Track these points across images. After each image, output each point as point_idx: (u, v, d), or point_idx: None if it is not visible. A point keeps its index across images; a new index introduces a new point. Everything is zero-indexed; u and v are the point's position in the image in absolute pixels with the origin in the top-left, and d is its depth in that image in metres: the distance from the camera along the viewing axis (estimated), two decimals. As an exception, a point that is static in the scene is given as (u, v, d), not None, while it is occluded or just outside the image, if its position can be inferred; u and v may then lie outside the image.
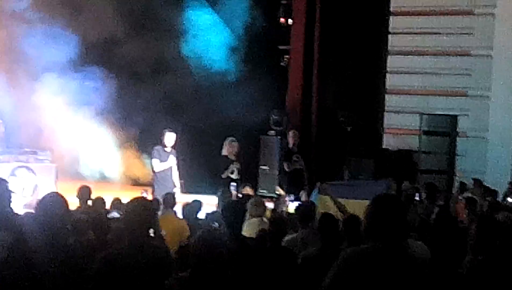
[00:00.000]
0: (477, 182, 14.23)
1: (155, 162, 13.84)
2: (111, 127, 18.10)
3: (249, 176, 15.76)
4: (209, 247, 5.00)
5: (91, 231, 7.58)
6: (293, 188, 14.95)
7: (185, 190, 16.85)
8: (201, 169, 16.74)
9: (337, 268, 4.63)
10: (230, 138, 14.50)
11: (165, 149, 13.89)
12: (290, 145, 15.36)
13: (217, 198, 12.10)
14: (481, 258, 5.83)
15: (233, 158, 14.28)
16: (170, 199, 11.05)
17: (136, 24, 18.50)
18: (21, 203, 11.90)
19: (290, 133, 15.68)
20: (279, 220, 7.96)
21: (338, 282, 4.58)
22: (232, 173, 14.09)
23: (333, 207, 10.10)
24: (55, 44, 17.40)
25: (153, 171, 13.99)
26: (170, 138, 13.90)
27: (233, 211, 7.24)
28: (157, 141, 14.15)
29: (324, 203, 10.68)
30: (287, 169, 15.21)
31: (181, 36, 18.78)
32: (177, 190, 13.74)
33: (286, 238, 8.22)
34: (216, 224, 9.24)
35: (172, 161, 13.92)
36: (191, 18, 18.99)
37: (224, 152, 14.35)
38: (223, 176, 14.09)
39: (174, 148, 14.08)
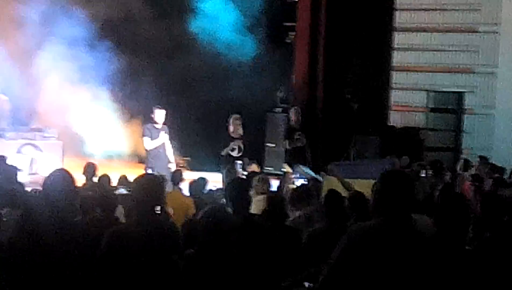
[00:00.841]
0: (483, 160, 14.21)
1: (146, 140, 13.80)
2: (118, 104, 18.11)
3: (255, 153, 15.77)
4: (215, 224, 5.01)
5: (98, 208, 7.60)
6: (292, 166, 14.92)
7: (191, 167, 16.93)
8: (207, 146, 16.74)
9: (344, 244, 4.65)
10: (235, 115, 14.42)
11: (156, 126, 13.85)
12: (292, 123, 15.30)
13: (221, 176, 12.13)
14: (488, 235, 5.85)
15: (236, 135, 14.20)
16: (177, 176, 11.08)
17: (146, 1, 18.47)
18: (27, 180, 11.95)
19: (292, 110, 15.61)
20: (276, 198, 7.96)
21: (345, 258, 4.59)
22: (232, 150, 14.00)
23: (341, 187, 10.09)
24: (65, 22, 17.40)
25: (145, 149, 13.96)
26: (160, 115, 13.87)
27: (237, 188, 7.23)
28: (167, 121, 14.16)
29: (331, 184, 10.68)
30: (287, 147, 15.16)
31: (189, 15, 18.75)
32: (172, 166, 13.75)
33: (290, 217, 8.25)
34: (223, 201, 9.27)
35: (164, 137, 13.88)
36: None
37: (231, 129, 14.27)
38: (223, 153, 14.02)
39: (165, 125, 14.05)
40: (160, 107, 13.93)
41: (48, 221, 5.05)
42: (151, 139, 13.77)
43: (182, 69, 18.36)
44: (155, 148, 13.78)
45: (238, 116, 14.37)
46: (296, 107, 15.69)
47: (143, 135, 13.86)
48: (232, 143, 14.05)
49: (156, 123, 13.82)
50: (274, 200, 7.79)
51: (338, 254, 4.64)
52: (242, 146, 14.08)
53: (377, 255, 4.55)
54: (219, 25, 18.60)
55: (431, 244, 4.76)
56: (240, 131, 14.21)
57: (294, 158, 14.93)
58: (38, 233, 5.02)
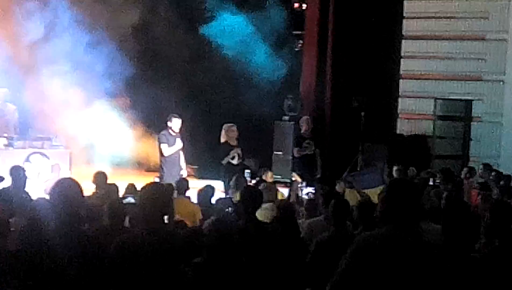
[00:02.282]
0: (486, 167, 14.18)
1: (164, 146, 13.98)
2: (126, 113, 18.13)
3: (263, 161, 15.78)
4: (222, 233, 5.01)
5: (106, 217, 7.61)
6: (303, 174, 14.98)
7: (199, 176, 16.98)
8: (213, 154, 16.77)
9: (351, 252, 4.66)
10: (228, 124, 14.56)
11: (172, 133, 14.01)
12: (302, 131, 15.40)
13: (229, 184, 12.16)
14: (497, 244, 5.83)
15: (234, 143, 14.35)
16: (183, 185, 11.11)
17: (156, 9, 18.48)
18: (39, 189, 11.97)
19: (303, 119, 15.71)
20: (286, 206, 7.98)
21: (353, 266, 4.61)
22: (233, 158, 14.17)
23: (352, 197, 10.13)
24: (78, 30, 17.45)
25: (162, 156, 14.10)
26: (176, 123, 14.07)
27: (251, 197, 7.28)
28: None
29: (351, 197, 10.71)
30: (296, 155, 15.27)
31: (199, 22, 18.79)
32: (184, 173, 13.91)
33: (309, 220, 8.31)
34: (230, 210, 9.30)
35: (179, 144, 14.06)
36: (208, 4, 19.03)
37: (223, 139, 14.41)
38: (223, 162, 14.19)
39: (180, 133, 14.20)
40: (177, 116, 14.08)
41: (55, 229, 5.06)
42: (168, 146, 13.93)
43: (190, 78, 18.38)
44: (171, 155, 13.93)
45: (231, 124, 14.50)
46: (307, 117, 15.80)
47: (161, 142, 14.02)
48: (232, 151, 14.19)
49: (172, 130, 13.97)
50: (285, 207, 7.82)
51: (345, 263, 4.65)
52: (240, 153, 14.23)
53: (385, 264, 4.55)
54: (228, 35, 18.62)
55: (438, 253, 4.76)
56: (235, 139, 14.34)
57: (302, 166, 14.99)
58: (44, 241, 5.03)
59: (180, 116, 14.22)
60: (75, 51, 17.51)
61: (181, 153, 14.23)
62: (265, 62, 18.53)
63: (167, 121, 14.18)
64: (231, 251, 5.08)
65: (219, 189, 13.26)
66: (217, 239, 5.04)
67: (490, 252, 5.78)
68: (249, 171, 13.79)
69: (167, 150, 13.96)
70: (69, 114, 17.30)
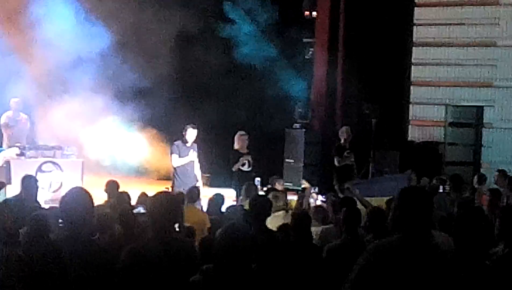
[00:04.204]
0: (502, 173, 14.12)
1: (174, 157, 13.89)
2: (137, 121, 18.15)
3: (274, 169, 15.77)
4: (233, 241, 5.01)
5: (117, 225, 7.61)
6: (342, 184, 14.98)
7: (210, 184, 16.97)
8: (225, 163, 16.80)
9: (363, 261, 4.65)
10: (240, 132, 14.58)
11: (186, 144, 13.94)
12: (342, 141, 15.52)
13: (240, 192, 12.16)
14: (507, 251, 5.82)
15: (244, 151, 14.37)
16: (193, 193, 11.10)
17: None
18: (46, 198, 12.01)
19: (343, 129, 15.77)
20: (302, 214, 7.99)
21: (365, 275, 4.60)
22: (243, 165, 14.19)
23: (360, 205, 10.11)
24: (84, 37, 17.47)
25: (173, 167, 14.04)
26: (191, 134, 13.95)
27: (260, 206, 7.29)
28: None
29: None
30: (337, 164, 15.36)
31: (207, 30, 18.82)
32: (199, 184, 13.83)
33: (321, 227, 8.30)
34: (240, 217, 9.28)
35: (192, 155, 13.96)
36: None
37: (236, 146, 14.44)
38: (234, 169, 14.19)
39: (196, 143, 14.14)
40: (193, 126, 13.99)
41: (64, 238, 5.07)
42: (179, 157, 13.87)
43: (199, 85, 18.41)
44: (183, 165, 13.87)
45: (243, 132, 14.52)
46: (347, 127, 15.84)
47: (172, 153, 13.94)
48: (241, 159, 14.20)
49: (186, 141, 13.91)
50: (300, 216, 7.81)
51: (357, 271, 4.65)
52: (251, 160, 14.23)
53: (397, 272, 4.55)
54: (238, 42, 18.65)
55: (450, 261, 4.74)
56: (246, 147, 14.36)
57: (342, 176, 15.04)
58: (55, 250, 5.04)
59: (195, 126, 14.12)
60: (89, 60, 17.53)
61: (196, 163, 14.14)
62: (277, 70, 18.55)
63: (183, 131, 14.10)
64: (241, 259, 5.07)
65: (230, 197, 13.25)
66: (228, 246, 5.04)
67: (500, 259, 5.77)
68: (259, 179, 13.78)
69: (177, 161, 13.88)
70: (81, 123, 17.35)
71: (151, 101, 18.18)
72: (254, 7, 18.85)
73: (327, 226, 8.79)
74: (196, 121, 14.62)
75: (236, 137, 14.53)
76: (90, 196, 5.30)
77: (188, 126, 14.01)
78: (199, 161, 14.14)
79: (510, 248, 5.84)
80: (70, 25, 17.44)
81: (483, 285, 5.38)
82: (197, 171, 14.12)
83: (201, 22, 18.49)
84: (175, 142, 14.08)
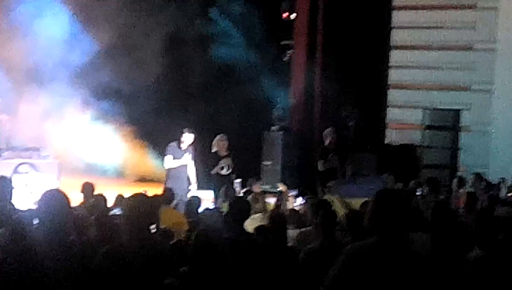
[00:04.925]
0: (478, 176, 14.22)
1: (168, 158, 13.92)
2: (117, 123, 18.09)
3: (251, 171, 15.77)
4: (206, 245, 5.00)
5: (93, 228, 7.58)
6: (325, 186, 14.93)
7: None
8: (204, 165, 16.77)
9: (340, 263, 4.67)
10: (219, 135, 14.57)
11: (181, 147, 13.95)
12: (326, 143, 15.37)
13: (217, 194, 12.17)
14: (482, 254, 5.86)
15: (224, 154, 14.35)
16: (168, 195, 11.09)
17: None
18: (22, 200, 11.91)
19: (327, 131, 15.66)
20: (279, 216, 7.99)
21: (342, 277, 4.62)
22: (222, 169, 14.17)
23: (340, 206, 10.13)
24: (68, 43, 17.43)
25: (165, 169, 14.02)
26: (187, 138, 13.98)
27: (239, 208, 7.29)
28: (163, 137, 14.20)
29: (334, 202, 10.71)
30: (321, 168, 15.23)
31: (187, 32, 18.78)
32: (193, 187, 13.85)
33: (299, 230, 8.31)
34: (218, 220, 9.26)
35: (186, 159, 13.96)
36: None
37: (214, 149, 14.42)
38: (212, 172, 14.18)
39: (192, 146, 14.13)
40: (189, 130, 13.98)
41: (41, 240, 5.05)
42: (173, 158, 13.85)
43: (177, 88, 18.35)
44: (175, 168, 13.84)
45: (222, 135, 14.50)
46: (331, 129, 15.70)
47: (166, 154, 13.94)
48: (221, 162, 14.19)
49: (181, 144, 13.90)
50: (276, 218, 7.81)
51: (334, 274, 4.66)
52: (231, 163, 14.21)
53: (373, 275, 4.56)
54: (217, 44, 18.61)
55: (426, 263, 4.76)
56: (225, 150, 14.33)
57: (326, 179, 14.95)
58: (31, 252, 5.01)
59: (191, 130, 14.06)
60: (67, 61, 17.45)
61: (191, 167, 14.11)
62: (255, 73, 18.53)
63: (179, 135, 14.06)
64: (216, 262, 5.06)
65: (209, 199, 13.25)
66: (201, 250, 5.03)
67: (476, 262, 5.80)
68: (238, 181, 13.78)
69: (168, 162, 13.88)
70: (58, 125, 17.27)
71: (129, 103, 18.11)
72: (233, 9, 18.82)
73: (304, 229, 8.78)
74: (175, 123, 14.61)
75: (215, 140, 14.52)
76: (67, 198, 5.27)
77: (184, 129, 14.05)
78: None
79: (485, 252, 5.89)
80: (51, 27, 17.38)
81: (458, 288, 5.41)
82: (192, 174, 14.09)
83: (181, 23, 18.44)
84: (170, 144, 14.09)
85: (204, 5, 18.95)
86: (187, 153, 13.98)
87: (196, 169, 14.16)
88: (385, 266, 4.58)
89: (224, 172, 14.18)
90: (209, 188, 14.21)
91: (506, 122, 17.51)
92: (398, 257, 4.62)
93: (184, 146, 13.95)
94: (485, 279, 5.65)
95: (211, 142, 14.57)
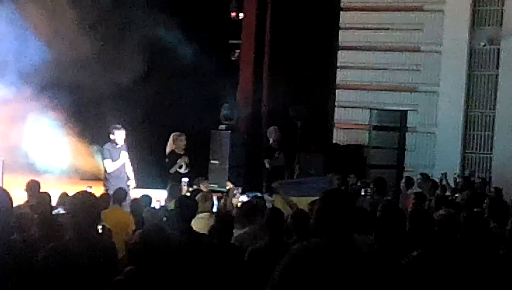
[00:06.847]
0: (424, 177, 14.35)
1: (107, 162, 13.64)
2: (60, 120, 17.89)
3: (199, 170, 15.70)
4: (152, 243, 4.97)
5: (35, 227, 7.47)
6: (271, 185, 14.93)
7: (138, 184, 16.80)
8: (152, 163, 16.64)
9: (285, 264, 4.64)
10: (177, 133, 14.44)
11: (116, 146, 13.74)
12: (271, 142, 15.36)
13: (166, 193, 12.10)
14: (420, 251, 5.93)
15: (181, 152, 14.24)
16: (120, 194, 10.98)
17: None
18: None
19: (271, 129, 15.63)
20: (226, 216, 7.96)
21: (287, 278, 4.59)
22: (180, 167, 14.07)
23: (285, 205, 10.13)
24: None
25: (106, 171, 13.80)
26: (120, 135, 13.75)
27: (186, 207, 7.25)
28: (106, 135, 14.00)
29: (277, 203, 10.72)
30: (267, 166, 15.21)
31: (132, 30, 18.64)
32: (131, 183, 13.69)
33: (235, 234, 8.21)
34: (164, 219, 9.21)
35: (124, 157, 13.78)
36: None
37: (169, 148, 14.29)
38: (171, 171, 14.05)
39: (125, 143, 13.96)
40: (119, 127, 13.76)
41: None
42: (112, 161, 13.63)
43: (123, 85, 18.20)
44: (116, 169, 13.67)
45: (178, 133, 14.37)
46: (275, 127, 15.70)
47: (104, 158, 13.68)
48: (179, 160, 14.08)
49: (116, 143, 13.69)
50: (223, 218, 7.78)
51: (279, 273, 4.63)
52: (188, 161, 14.12)
53: (319, 275, 4.55)
54: (164, 42, 18.51)
55: (371, 263, 4.77)
56: (183, 148, 14.22)
57: (273, 177, 14.94)
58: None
59: (121, 126, 13.90)
60: (13, 59, 17.24)
61: (128, 163, 13.94)
62: (203, 72, 18.47)
63: (109, 134, 13.85)
64: (158, 262, 5.03)
65: (162, 199, 13.11)
66: (143, 250, 4.99)
67: (413, 260, 5.85)
68: (187, 179, 13.69)
69: (111, 166, 13.64)
70: (3, 123, 17.03)
71: (74, 100, 17.94)
72: (180, 8, 18.73)
73: (244, 230, 8.70)
74: (121, 122, 14.45)
75: (171, 138, 14.37)
76: (9, 196, 5.20)
77: (113, 127, 13.80)
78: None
79: (422, 249, 5.95)
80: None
81: (398, 286, 5.45)
82: (129, 171, 13.95)
83: (131, 23, 18.33)
84: (105, 146, 13.83)
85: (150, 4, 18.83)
86: (123, 150, 13.79)
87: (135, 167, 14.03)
88: (331, 266, 4.57)
89: (183, 170, 14.07)
90: (163, 188, 14.11)
91: (451, 123, 17.74)
92: (344, 258, 4.61)
93: (118, 144, 13.75)
94: (419, 277, 5.71)
95: (166, 141, 14.45)
